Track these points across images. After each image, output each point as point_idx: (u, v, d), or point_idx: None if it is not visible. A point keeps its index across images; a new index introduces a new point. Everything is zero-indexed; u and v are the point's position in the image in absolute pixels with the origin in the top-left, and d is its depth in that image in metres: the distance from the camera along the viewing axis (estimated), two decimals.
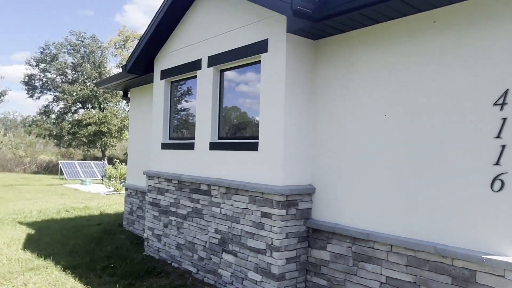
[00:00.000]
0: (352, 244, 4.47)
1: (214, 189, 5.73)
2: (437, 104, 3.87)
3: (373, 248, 4.27)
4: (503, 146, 3.40)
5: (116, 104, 36.84)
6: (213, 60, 5.94)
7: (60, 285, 5.48)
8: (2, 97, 50.21)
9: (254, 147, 5.13)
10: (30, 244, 7.83)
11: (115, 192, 18.70)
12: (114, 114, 35.33)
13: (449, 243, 3.69)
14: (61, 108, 36.57)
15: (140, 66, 7.49)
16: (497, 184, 3.42)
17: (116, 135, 35.28)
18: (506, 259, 3.27)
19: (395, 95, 4.23)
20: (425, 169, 3.92)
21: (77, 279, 5.75)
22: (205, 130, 6.03)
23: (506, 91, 3.41)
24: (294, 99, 4.86)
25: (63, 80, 36.42)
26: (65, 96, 34.80)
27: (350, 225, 4.54)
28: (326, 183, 4.87)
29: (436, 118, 3.87)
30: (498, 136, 3.44)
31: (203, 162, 6.05)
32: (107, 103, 36.12)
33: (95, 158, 36.87)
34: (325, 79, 4.94)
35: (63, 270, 6.12)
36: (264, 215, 4.87)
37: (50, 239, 8.25)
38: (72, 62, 36.28)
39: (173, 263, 6.56)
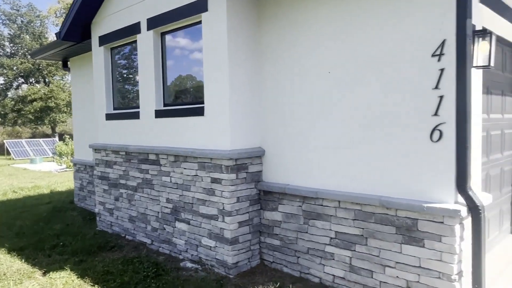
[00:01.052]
0: (302, 203, 4.50)
1: (162, 158, 5.55)
2: (380, 59, 3.84)
3: (322, 205, 4.31)
4: (441, 97, 3.45)
5: (62, 78, 34.84)
6: (153, 23, 5.59)
7: (4, 268, 5.20)
8: None
9: (200, 112, 4.96)
10: None
11: (67, 169, 17.96)
12: (61, 88, 33.45)
13: (393, 195, 3.77)
14: (1, 84, 34.09)
15: (76, 33, 6.95)
16: (436, 135, 3.49)
17: (65, 110, 33.56)
18: (445, 206, 3.39)
19: (340, 54, 4.16)
20: (368, 123, 3.94)
21: (23, 260, 5.48)
22: (150, 97, 5.76)
23: (443, 42, 3.42)
24: (239, 61, 4.69)
25: (1, 53, 33.77)
26: (5, 71, 32.39)
27: (300, 185, 4.55)
28: (275, 145, 4.82)
29: (379, 73, 3.85)
30: (437, 87, 3.47)
31: (149, 131, 5.82)
32: (52, 77, 34.07)
33: (46, 136, 35.10)
34: (271, 39, 4.79)
35: (8, 253, 5.81)
36: (214, 180, 4.78)
37: None
38: (9, 34, 33.58)
39: (127, 236, 6.41)
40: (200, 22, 4.95)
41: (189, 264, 5.08)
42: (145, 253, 5.65)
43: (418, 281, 3.60)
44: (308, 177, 4.48)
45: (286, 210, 4.66)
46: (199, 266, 5.01)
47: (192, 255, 5.20)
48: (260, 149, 4.92)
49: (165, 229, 5.62)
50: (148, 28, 5.67)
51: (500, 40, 5.25)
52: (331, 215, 4.24)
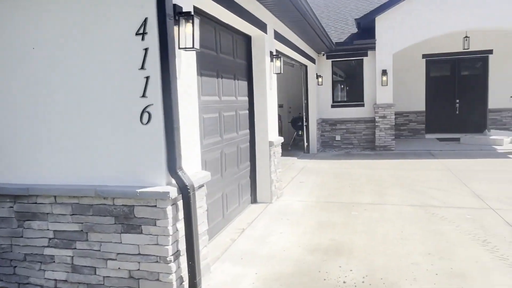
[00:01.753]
0: (14, 203, 3.80)
1: None
2: (92, 37, 3.48)
3: (36, 203, 3.73)
4: (147, 78, 3.33)
5: None
6: None
7: None
8: None
9: None
10: None
11: None
12: None
13: (111, 183, 3.52)
14: None
15: None
16: (145, 117, 3.37)
17: None
18: (156, 189, 3.32)
19: (48, 30, 3.60)
20: (81, 108, 3.55)
21: None
22: None
23: (145, 20, 3.29)
24: None
25: None
26: None
27: (10, 182, 3.83)
28: None
29: (89, 53, 3.49)
30: (143, 68, 3.34)
31: None
32: None
33: None
34: None
35: None
36: None
37: None
38: None
39: None
40: None
41: None
42: None
43: (138, 269, 3.47)
44: (21, 172, 3.81)
45: None
46: None
47: None
48: None
49: None
50: None
51: (229, 27, 5.66)
52: (47, 213, 3.70)
